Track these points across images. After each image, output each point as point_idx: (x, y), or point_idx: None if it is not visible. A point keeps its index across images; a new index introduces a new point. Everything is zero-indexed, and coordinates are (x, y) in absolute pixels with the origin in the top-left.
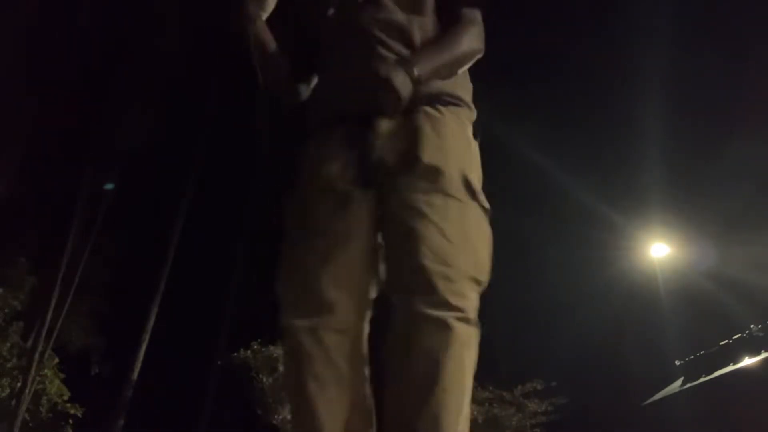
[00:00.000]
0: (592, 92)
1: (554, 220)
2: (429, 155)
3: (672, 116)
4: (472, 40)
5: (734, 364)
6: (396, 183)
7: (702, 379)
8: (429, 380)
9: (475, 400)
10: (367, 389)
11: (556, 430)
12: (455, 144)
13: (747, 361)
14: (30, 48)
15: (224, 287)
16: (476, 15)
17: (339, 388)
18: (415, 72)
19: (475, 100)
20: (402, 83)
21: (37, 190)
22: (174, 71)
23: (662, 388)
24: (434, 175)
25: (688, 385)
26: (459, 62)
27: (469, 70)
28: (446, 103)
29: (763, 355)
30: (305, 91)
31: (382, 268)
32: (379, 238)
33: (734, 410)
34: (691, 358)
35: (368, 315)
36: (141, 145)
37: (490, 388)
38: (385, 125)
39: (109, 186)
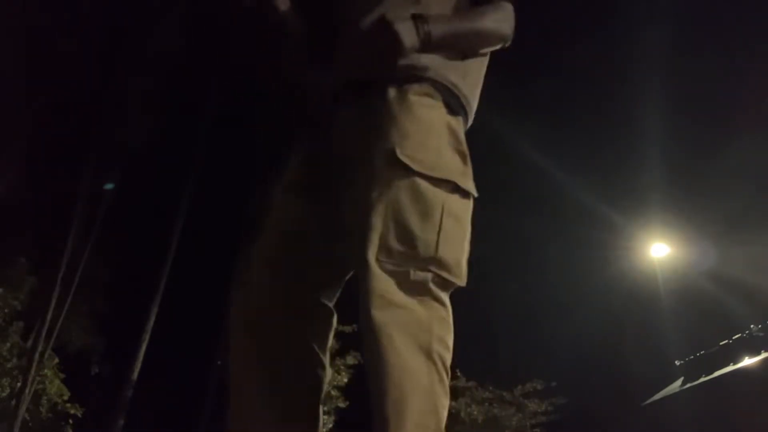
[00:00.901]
0: (592, 92)
1: (554, 220)
2: (361, 143)
3: (672, 116)
4: (499, 21)
5: (734, 364)
6: (340, 177)
7: (702, 379)
8: (375, 379)
9: (475, 400)
10: (307, 378)
11: (556, 430)
12: (394, 124)
13: (747, 361)
14: (30, 48)
15: (224, 287)
16: (509, 6)
17: (270, 376)
18: (426, 27)
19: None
20: (406, 31)
21: (37, 190)
22: (174, 71)
23: (662, 388)
24: (359, 162)
25: (688, 385)
26: (479, 37)
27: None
28: (421, 93)
29: (763, 355)
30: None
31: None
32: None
33: (734, 410)
34: (691, 358)
35: (316, 310)
36: (141, 145)
37: (490, 388)
38: (345, 115)
39: (109, 186)
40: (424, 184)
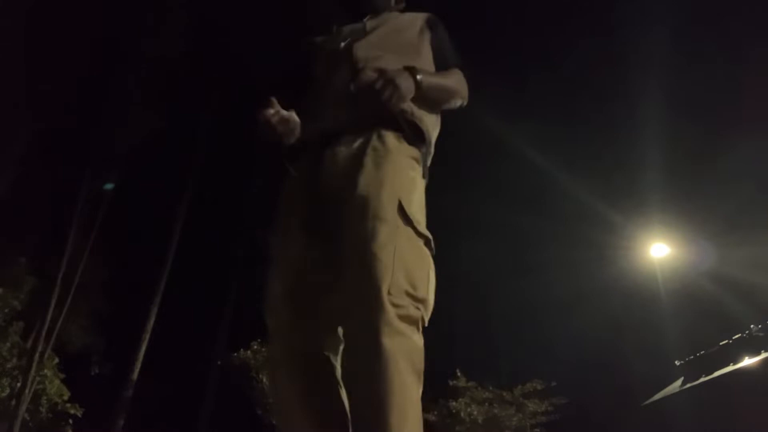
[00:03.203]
0: (593, 92)
1: (554, 220)
2: (365, 187)
3: (672, 116)
4: (463, 85)
5: (734, 364)
6: (335, 217)
7: (702, 379)
8: (371, 397)
9: (475, 400)
10: (342, 409)
11: (556, 430)
12: (392, 173)
13: (747, 361)
14: (30, 48)
15: (224, 287)
16: (461, 74)
17: (315, 406)
18: (419, 77)
19: (475, 100)
20: (406, 83)
21: (37, 190)
22: (174, 71)
23: (662, 388)
24: (368, 202)
25: (688, 385)
26: (449, 93)
27: (470, 71)
28: (398, 134)
29: (763, 355)
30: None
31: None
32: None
33: (734, 410)
34: (691, 358)
35: (337, 341)
36: (141, 145)
37: (490, 388)
38: (340, 150)
39: (109, 186)
40: (415, 236)
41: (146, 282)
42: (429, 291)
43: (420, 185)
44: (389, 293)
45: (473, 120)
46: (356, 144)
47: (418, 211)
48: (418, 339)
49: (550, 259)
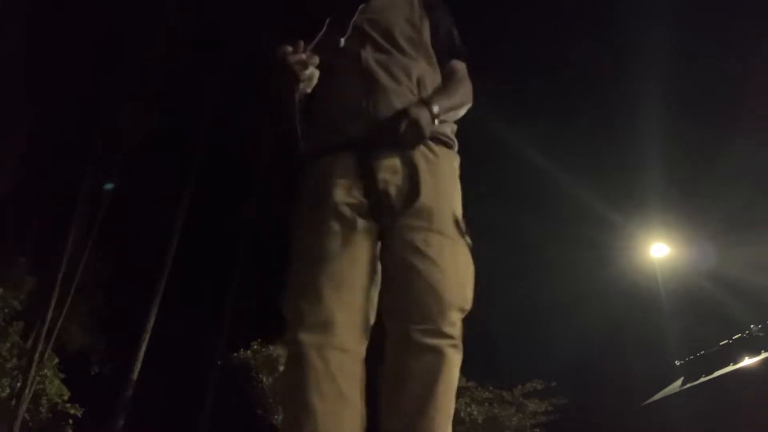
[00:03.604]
0: (592, 92)
1: (554, 220)
2: (426, 196)
3: (672, 116)
4: (468, 93)
5: (734, 364)
6: (396, 219)
7: (702, 379)
8: (423, 402)
9: (475, 400)
10: (363, 408)
11: (556, 430)
12: (447, 185)
13: (747, 361)
14: (29, 48)
15: (224, 287)
16: (465, 68)
17: (338, 404)
18: (435, 110)
19: (474, 99)
20: (427, 123)
21: (37, 190)
22: (174, 71)
23: (662, 388)
24: (430, 215)
25: (688, 385)
26: (458, 110)
27: (471, 69)
28: (439, 142)
29: (763, 355)
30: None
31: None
32: (378, 268)
33: (734, 410)
34: (691, 358)
35: (367, 339)
36: (141, 145)
37: (490, 388)
38: (386, 158)
39: (109, 186)
40: (467, 248)
41: (146, 282)
42: (471, 302)
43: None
44: (450, 309)
45: (472, 120)
46: (401, 151)
47: (461, 215)
48: (460, 348)
49: (549, 258)
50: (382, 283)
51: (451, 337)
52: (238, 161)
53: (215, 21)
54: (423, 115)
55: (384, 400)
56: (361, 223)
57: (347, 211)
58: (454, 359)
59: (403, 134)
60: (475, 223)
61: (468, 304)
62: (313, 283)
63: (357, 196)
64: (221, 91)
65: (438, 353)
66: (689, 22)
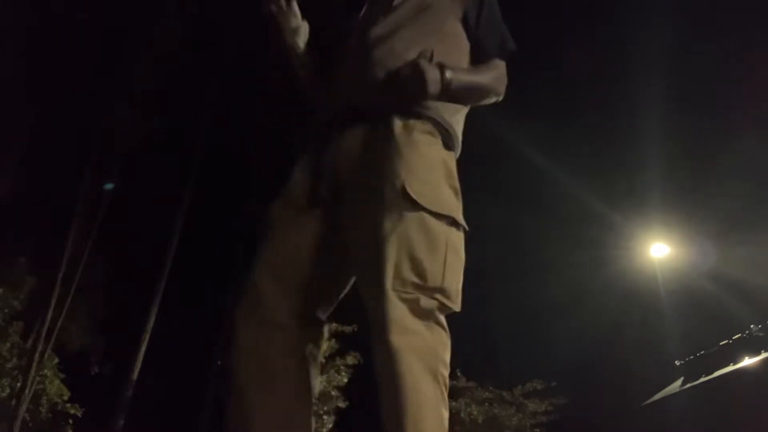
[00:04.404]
0: (593, 92)
1: (554, 220)
2: (365, 176)
3: (672, 116)
4: (498, 80)
5: (734, 364)
6: (345, 205)
7: (702, 379)
8: (391, 408)
9: (475, 400)
10: (307, 386)
11: (556, 430)
12: (396, 158)
13: (747, 361)
14: (29, 48)
15: (224, 287)
16: (502, 66)
17: (269, 379)
18: (448, 77)
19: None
20: (433, 79)
21: (37, 190)
22: (174, 70)
23: (662, 388)
24: (370, 196)
25: (688, 385)
26: (480, 92)
27: (511, 71)
28: (425, 119)
29: (763, 355)
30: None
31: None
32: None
33: (734, 410)
34: (691, 358)
35: (311, 321)
36: (141, 145)
37: (490, 388)
38: (348, 138)
39: (109, 186)
40: (429, 218)
41: (146, 282)
42: (447, 276)
43: (443, 160)
44: (394, 288)
45: (472, 119)
46: (363, 127)
47: (436, 189)
48: (431, 335)
49: (550, 259)
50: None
51: (394, 323)
52: (238, 161)
53: (215, 20)
54: (431, 70)
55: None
56: (308, 207)
57: (299, 192)
58: (405, 344)
59: (403, 82)
60: (475, 223)
61: (427, 280)
62: (257, 263)
63: (311, 179)
64: (221, 91)
65: (383, 346)
66: (689, 22)
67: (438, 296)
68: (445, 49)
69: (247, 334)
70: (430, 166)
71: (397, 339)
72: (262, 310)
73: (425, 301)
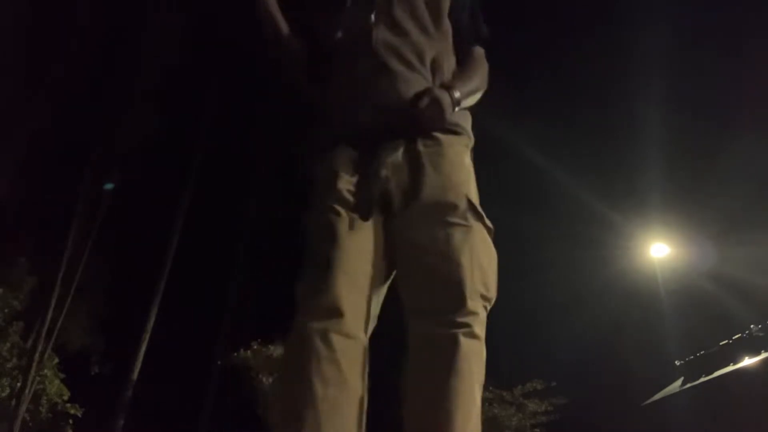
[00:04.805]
0: (592, 92)
1: (554, 220)
2: (429, 190)
3: (672, 116)
4: (484, 78)
5: (734, 364)
6: (400, 217)
7: (702, 379)
8: (440, 397)
9: None
10: (365, 395)
11: (556, 430)
12: (454, 172)
13: (747, 361)
14: (29, 48)
15: (224, 287)
16: (483, 54)
17: (339, 388)
18: (456, 96)
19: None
20: (448, 105)
21: (37, 191)
22: (174, 70)
23: (662, 388)
24: (435, 208)
25: (688, 385)
26: (477, 95)
27: (488, 55)
28: (446, 131)
29: (763, 355)
30: (316, 92)
31: (384, 289)
32: (387, 262)
33: (734, 410)
34: (691, 358)
35: (369, 329)
36: (141, 145)
37: (490, 388)
38: (389, 151)
39: (109, 186)
40: (485, 230)
41: (146, 282)
42: (496, 287)
43: (473, 174)
44: (471, 297)
45: (471, 119)
46: (405, 143)
47: (477, 199)
48: (483, 346)
49: (549, 258)
50: (400, 280)
51: (466, 325)
52: (238, 161)
53: (215, 20)
54: (445, 98)
55: (406, 399)
56: (362, 215)
57: (352, 200)
58: (471, 348)
59: (422, 114)
60: None
61: (489, 291)
62: (322, 269)
63: (359, 192)
64: (221, 91)
65: (451, 341)
66: (689, 22)
67: (487, 306)
68: (447, 49)
69: (322, 344)
70: (472, 177)
71: (467, 342)
72: (337, 322)
73: (483, 312)
